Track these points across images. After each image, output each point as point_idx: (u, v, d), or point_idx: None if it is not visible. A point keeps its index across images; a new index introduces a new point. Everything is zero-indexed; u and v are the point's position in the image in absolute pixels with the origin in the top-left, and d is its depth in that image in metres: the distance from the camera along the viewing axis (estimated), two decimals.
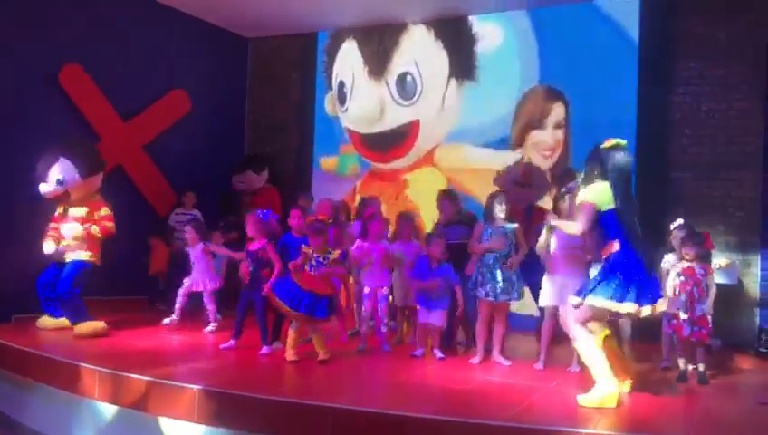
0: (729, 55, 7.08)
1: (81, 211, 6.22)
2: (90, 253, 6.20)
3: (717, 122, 7.13)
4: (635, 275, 4.18)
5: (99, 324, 6.06)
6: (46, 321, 6.26)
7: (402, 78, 8.62)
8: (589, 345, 4.31)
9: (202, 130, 8.75)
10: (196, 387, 4.25)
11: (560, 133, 7.67)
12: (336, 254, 5.31)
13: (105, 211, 6.29)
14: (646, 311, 4.17)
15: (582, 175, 4.55)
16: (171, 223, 7.95)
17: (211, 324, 6.48)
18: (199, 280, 6.49)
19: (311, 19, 8.78)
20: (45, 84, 7.04)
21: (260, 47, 9.65)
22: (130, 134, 7.94)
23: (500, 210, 5.45)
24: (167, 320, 6.48)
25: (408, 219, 6.28)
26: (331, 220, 5.70)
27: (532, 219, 6.02)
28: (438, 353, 5.58)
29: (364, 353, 5.72)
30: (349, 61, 9.00)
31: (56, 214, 6.27)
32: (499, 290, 5.33)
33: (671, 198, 7.16)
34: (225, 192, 8.75)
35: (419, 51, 8.55)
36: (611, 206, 4.28)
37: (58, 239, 6.18)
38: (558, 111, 7.76)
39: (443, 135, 8.39)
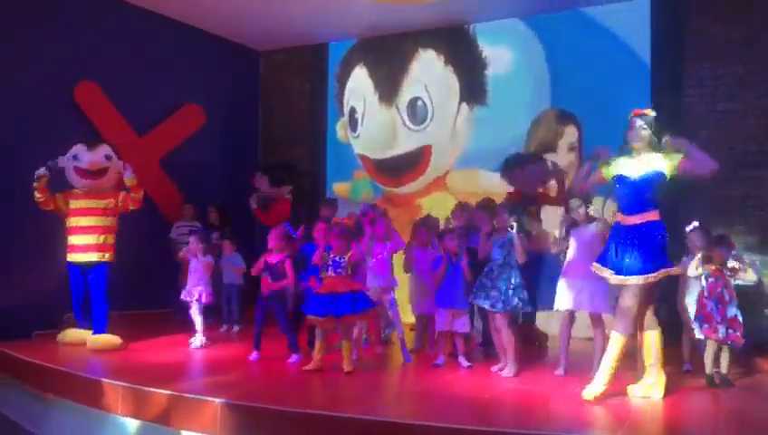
0: (743, 54, 7.03)
1: (96, 203, 6.26)
2: (109, 253, 6.25)
3: (733, 122, 7.08)
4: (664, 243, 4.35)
5: (114, 339, 6.09)
6: (68, 334, 6.28)
7: (413, 103, 8.65)
8: (624, 342, 4.39)
9: (216, 144, 8.81)
10: (218, 400, 4.26)
11: (573, 156, 7.60)
12: (350, 254, 5.30)
13: (124, 192, 6.35)
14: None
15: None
16: (173, 236, 7.92)
17: (197, 336, 6.33)
18: (193, 291, 6.37)
19: (320, 30, 8.84)
20: (60, 101, 7.13)
21: (271, 60, 9.71)
22: (145, 149, 8.00)
23: (501, 220, 5.37)
24: (192, 340, 6.39)
25: (423, 225, 6.27)
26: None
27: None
28: (464, 362, 5.54)
29: (386, 363, 5.71)
30: (359, 87, 9.03)
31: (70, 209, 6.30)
32: (492, 299, 5.21)
33: (689, 200, 7.10)
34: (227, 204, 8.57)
35: (430, 76, 8.59)
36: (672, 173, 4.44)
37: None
38: (571, 134, 7.74)
39: (455, 159, 8.39)
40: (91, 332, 6.19)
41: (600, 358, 5.16)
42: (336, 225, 5.43)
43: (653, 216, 4.42)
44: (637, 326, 4.55)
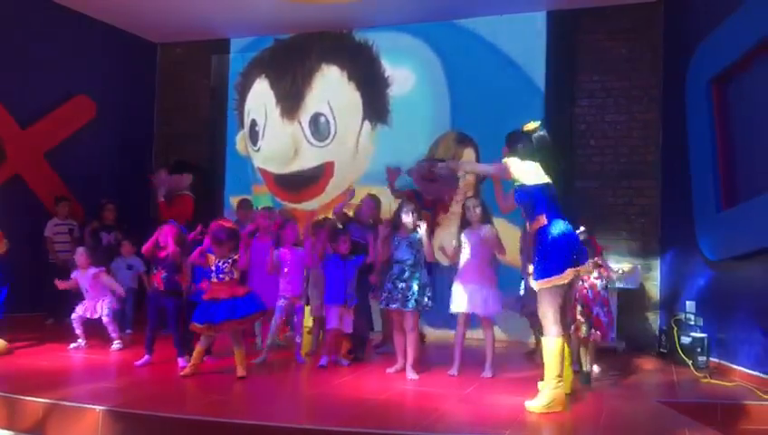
0: (630, 69, 7.44)
1: None
2: None
3: (619, 133, 7.48)
4: (565, 243, 4.32)
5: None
6: None
7: (315, 119, 8.59)
8: (557, 344, 4.33)
9: (108, 138, 8.43)
10: (99, 408, 4.05)
11: (470, 177, 7.67)
12: (235, 257, 5.19)
13: None
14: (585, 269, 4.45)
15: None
16: (48, 234, 7.46)
17: (116, 342, 6.14)
18: (94, 307, 6.12)
19: (220, 24, 8.63)
20: None
21: (170, 53, 9.39)
22: (30, 141, 7.54)
23: (407, 219, 5.39)
24: (73, 345, 6.11)
25: (318, 227, 6.24)
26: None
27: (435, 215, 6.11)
28: (344, 361, 5.62)
29: (277, 367, 5.63)
30: (261, 99, 8.86)
31: None
32: (397, 298, 5.25)
33: (577, 206, 7.43)
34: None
35: (333, 92, 8.55)
36: (539, 181, 4.41)
37: None
38: (468, 155, 7.90)
39: (357, 177, 8.33)
40: None
41: (492, 359, 5.36)
42: (217, 230, 5.25)
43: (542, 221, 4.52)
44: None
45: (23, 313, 6.94)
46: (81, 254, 6.22)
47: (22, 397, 4.26)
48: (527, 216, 4.59)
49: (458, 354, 5.46)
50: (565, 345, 4.50)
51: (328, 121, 8.55)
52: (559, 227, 4.34)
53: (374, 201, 6.46)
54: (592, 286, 5.34)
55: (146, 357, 5.48)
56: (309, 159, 8.61)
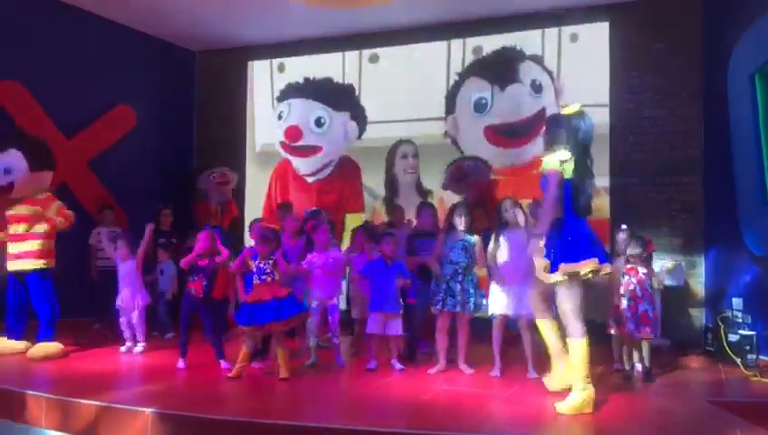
0: (667, 63, 7.32)
1: (27, 210, 5.99)
2: (45, 260, 5.99)
3: (659, 129, 7.36)
4: (582, 235, 4.23)
5: (53, 346, 5.88)
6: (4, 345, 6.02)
7: None
8: (582, 345, 4.27)
9: (149, 146, 8.60)
10: (148, 410, 4.14)
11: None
12: (275, 258, 5.25)
13: (58, 204, 6.05)
14: (604, 268, 4.25)
15: (546, 142, 4.57)
16: (93, 242, 7.57)
17: (140, 344, 6.20)
18: (129, 297, 6.20)
19: (253, 32, 8.73)
20: None
21: (207, 60, 9.54)
22: (75, 151, 7.74)
23: (459, 222, 5.44)
24: (123, 348, 6.21)
25: (365, 231, 6.27)
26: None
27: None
28: (397, 365, 5.55)
29: (320, 369, 5.67)
30: None
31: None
32: (457, 302, 5.31)
33: (616, 203, 7.35)
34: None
35: None
36: (569, 177, 4.28)
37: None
38: None
39: None
40: (20, 342, 6.00)
41: (534, 359, 5.30)
42: (260, 229, 5.32)
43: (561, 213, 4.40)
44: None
45: (72, 317, 7.05)
46: (122, 245, 6.29)
47: (75, 399, 4.37)
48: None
49: (498, 355, 5.44)
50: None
51: None
52: (576, 219, 4.28)
53: (431, 209, 6.37)
54: (640, 282, 5.27)
55: (181, 361, 5.55)
56: None
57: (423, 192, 8.13)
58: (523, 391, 4.87)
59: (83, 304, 7.26)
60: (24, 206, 6.03)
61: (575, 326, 4.27)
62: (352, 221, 8.13)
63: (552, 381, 4.77)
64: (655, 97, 7.38)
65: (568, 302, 4.27)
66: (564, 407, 4.21)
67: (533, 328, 5.13)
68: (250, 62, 9.34)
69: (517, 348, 5.54)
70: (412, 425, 3.94)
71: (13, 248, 5.97)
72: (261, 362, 5.55)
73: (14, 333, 6.07)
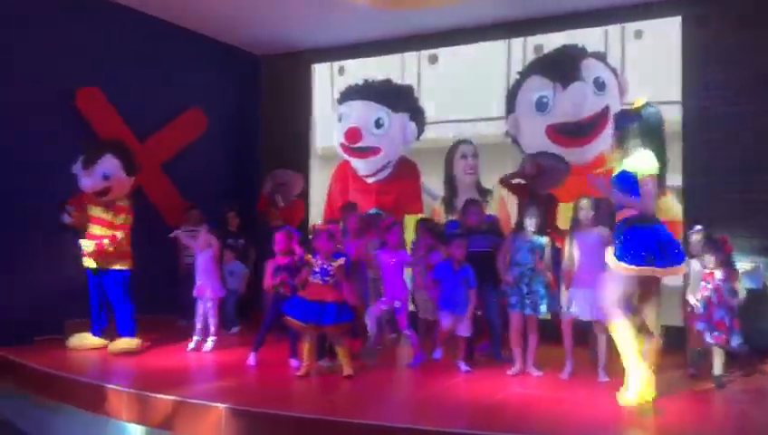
0: (751, 57, 7.01)
1: (104, 212, 6.25)
2: (120, 260, 6.25)
3: (736, 126, 7.07)
4: (641, 240, 4.19)
5: (132, 341, 6.13)
6: (82, 340, 6.28)
7: None
8: (623, 328, 4.28)
9: (218, 150, 8.81)
10: (222, 406, 4.25)
11: None
12: (341, 261, 5.27)
13: (122, 219, 6.28)
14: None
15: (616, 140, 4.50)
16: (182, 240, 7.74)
17: (210, 339, 6.30)
18: (205, 286, 6.35)
19: (318, 35, 8.81)
20: (61, 106, 7.07)
21: (272, 64, 9.70)
22: (148, 154, 7.99)
23: (529, 223, 5.38)
24: (191, 344, 6.33)
25: (429, 229, 6.26)
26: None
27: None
28: (464, 366, 5.52)
29: (384, 367, 5.70)
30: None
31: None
32: (526, 303, 5.28)
33: (691, 202, 7.11)
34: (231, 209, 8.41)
35: None
36: (642, 171, 4.23)
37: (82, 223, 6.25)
38: None
39: None
40: (101, 337, 6.28)
41: (606, 363, 5.19)
42: (320, 229, 5.36)
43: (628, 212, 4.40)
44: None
45: (156, 314, 7.30)
46: (203, 235, 6.47)
47: (153, 394, 4.54)
48: (616, 202, 4.46)
49: (570, 357, 5.34)
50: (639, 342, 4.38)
51: None
52: (642, 221, 4.22)
53: (477, 207, 6.36)
54: (717, 289, 5.09)
55: (252, 355, 5.65)
56: None
57: (483, 192, 8.03)
58: (593, 394, 4.77)
59: (169, 302, 7.52)
60: (101, 208, 6.28)
61: (613, 311, 4.33)
62: (411, 222, 8.12)
63: (625, 395, 4.52)
64: (740, 92, 7.06)
65: (612, 289, 4.35)
66: (626, 399, 4.17)
67: (606, 331, 5.02)
68: (312, 66, 9.45)
69: (582, 348, 5.43)
70: (475, 426, 3.91)
71: (90, 246, 6.18)
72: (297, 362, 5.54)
73: (97, 330, 6.34)
